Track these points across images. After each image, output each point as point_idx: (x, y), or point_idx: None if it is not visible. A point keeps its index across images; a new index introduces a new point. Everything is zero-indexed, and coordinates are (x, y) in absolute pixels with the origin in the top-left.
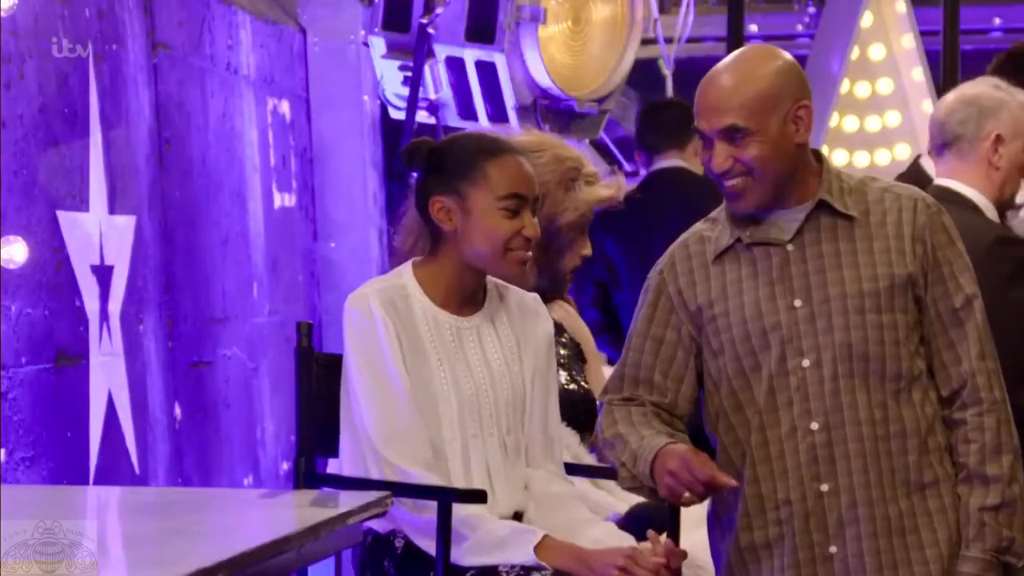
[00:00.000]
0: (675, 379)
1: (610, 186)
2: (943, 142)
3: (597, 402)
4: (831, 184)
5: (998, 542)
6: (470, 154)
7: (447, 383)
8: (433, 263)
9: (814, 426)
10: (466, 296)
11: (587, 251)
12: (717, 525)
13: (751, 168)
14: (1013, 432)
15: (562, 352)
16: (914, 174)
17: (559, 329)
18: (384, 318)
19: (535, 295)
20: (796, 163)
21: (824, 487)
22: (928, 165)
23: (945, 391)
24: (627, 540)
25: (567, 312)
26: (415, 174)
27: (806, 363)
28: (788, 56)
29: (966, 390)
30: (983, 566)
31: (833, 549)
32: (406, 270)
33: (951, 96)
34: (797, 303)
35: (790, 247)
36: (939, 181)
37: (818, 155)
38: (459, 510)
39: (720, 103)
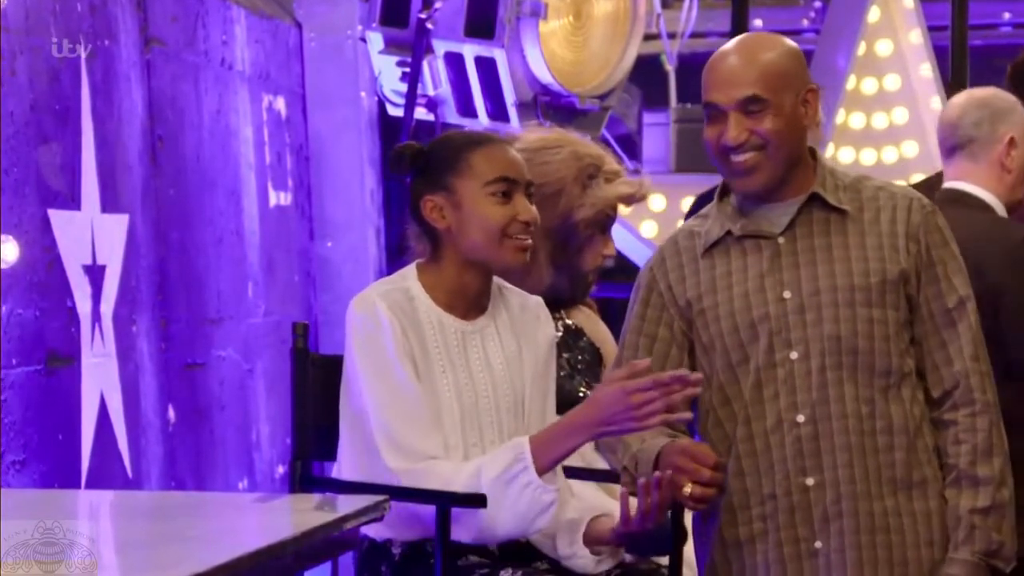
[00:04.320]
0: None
1: (631, 184)
2: (954, 144)
3: None
4: (825, 179)
5: (987, 545)
6: (453, 148)
7: (450, 390)
8: (435, 266)
9: (800, 419)
10: (471, 299)
11: (609, 251)
12: (702, 520)
13: (766, 141)
14: (1004, 435)
15: (580, 358)
16: (935, 185)
17: (578, 334)
18: (391, 320)
19: (538, 298)
20: (801, 149)
21: (809, 481)
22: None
23: (936, 392)
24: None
25: (587, 316)
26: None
27: (794, 355)
28: (793, 43)
29: (958, 391)
30: (971, 569)
31: (818, 544)
32: (410, 272)
33: (961, 98)
34: (786, 295)
35: (781, 240)
36: (950, 184)
37: (812, 152)
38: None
39: (737, 76)
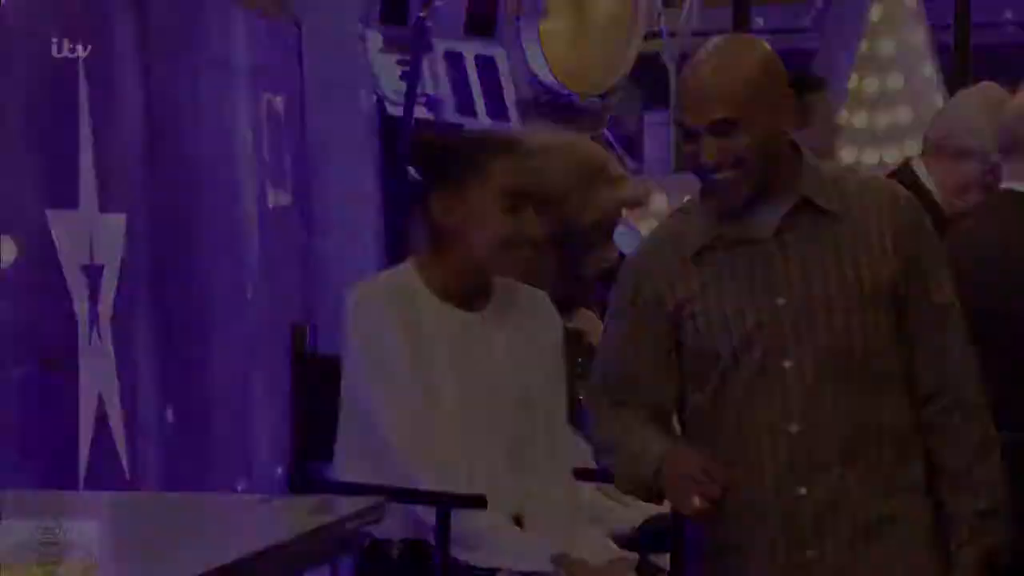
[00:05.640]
0: (658, 377)
1: (634, 187)
2: (1014, 145)
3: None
4: (811, 179)
5: (990, 543)
6: (473, 151)
7: (452, 383)
8: (435, 259)
9: (793, 427)
10: (470, 292)
11: (611, 254)
12: (690, 526)
13: (742, 159)
14: (996, 437)
15: (579, 360)
16: (904, 176)
17: (580, 336)
18: (391, 311)
19: (543, 293)
20: (781, 153)
21: (802, 490)
22: (920, 168)
23: (925, 391)
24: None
25: (589, 319)
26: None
27: (787, 363)
28: (766, 45)
29: (951, 393)
30: (978, 565)
31: (810, 553)
32: (406, 267)
33: (1021, 100)
34: (780, 301)
35: (772, 244)
36: (1010, 184)
37: (793, 144)
38: (477, 519)
39: (707, 97)
